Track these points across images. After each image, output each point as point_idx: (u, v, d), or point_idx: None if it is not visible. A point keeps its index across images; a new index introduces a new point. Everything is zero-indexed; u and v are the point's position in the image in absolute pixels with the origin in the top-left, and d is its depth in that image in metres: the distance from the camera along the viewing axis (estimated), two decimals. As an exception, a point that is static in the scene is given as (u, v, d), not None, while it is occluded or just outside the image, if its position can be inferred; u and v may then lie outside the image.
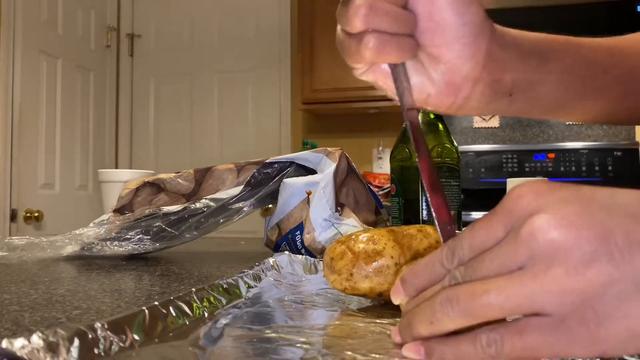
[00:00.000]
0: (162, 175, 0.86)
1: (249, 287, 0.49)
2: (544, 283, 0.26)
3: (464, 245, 0.30)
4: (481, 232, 0.30)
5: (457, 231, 0.35)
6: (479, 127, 3.05)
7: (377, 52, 0.39)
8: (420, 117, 0.81)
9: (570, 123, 2.96)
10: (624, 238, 0.26)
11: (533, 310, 0.27)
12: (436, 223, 0.36)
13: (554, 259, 0.26)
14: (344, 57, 0.42)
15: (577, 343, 0.26)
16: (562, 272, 0.26)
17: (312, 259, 0.63)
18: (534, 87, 0.46)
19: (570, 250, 0.26)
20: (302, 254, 0.68)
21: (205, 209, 0.80)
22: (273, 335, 0.35)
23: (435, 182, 0.37)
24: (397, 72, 0.42)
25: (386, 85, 0.43)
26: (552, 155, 2.71)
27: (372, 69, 0.43)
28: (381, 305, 0.45)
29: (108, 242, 0.79)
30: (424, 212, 0.78)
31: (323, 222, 0.77)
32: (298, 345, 0.33)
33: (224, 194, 0.81)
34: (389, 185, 0.98)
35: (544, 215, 0.27)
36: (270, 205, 0.86)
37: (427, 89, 0.43)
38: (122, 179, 1.00)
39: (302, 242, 0.77)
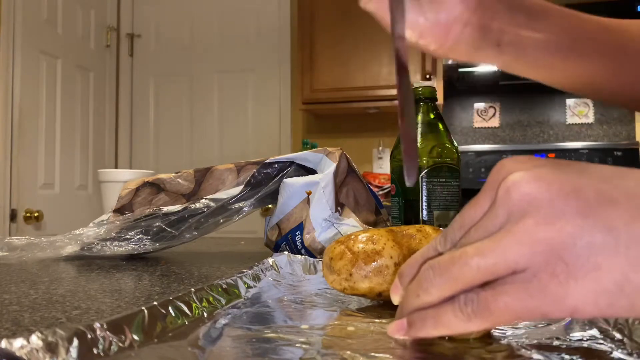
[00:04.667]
0: (162, 175, 0.86)
1: (248, 287, 0.49)
2: (515, 235, 0.27)
3: (454, 227, 0.31)
4: (470, 211, 0.31)
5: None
6: (479, 127, 3.05)
7: None
8: (420, 118, 0.81)
9: (571, 123, 2.96)
10: (595, 195, 0.27)
11: (507, 266, 0.27)
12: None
13: (526, 212, 0.27)
14: None
15: (548, 298, 0.26)
16: (533, 222, 0.27)
17: (312, 259, 0.63)
18: (522, 42, 0.49)
19: (542, 202, 0.27)
20: (302, 254, 0.68)
21: (205, 209, 0.80)
22: (272, 335, 0.35)
23: (407, 111, 0.40)
24: (395, 2, 0.45)
25: (385, 17, 0.46)
26: (552, 155, 2.71)
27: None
28: (380, 305, 0.45)
29: (108, 242, 0.79)
30: (424, 212, 0.78)
31: (323, 222, 0.77)
32: (297, 345, 0.33)
33: (224, 194, 0.81)
34: (389, 185, 0.98)
35: (518, 172, 0.28)
36: (270, 205, 0.86)
37: (420, 25, 0.47)
38: (122, 179, 1.00)
39: (302, 242, 0.77)
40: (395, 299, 0.34)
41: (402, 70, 0.42)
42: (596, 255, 0.26)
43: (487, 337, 0.34)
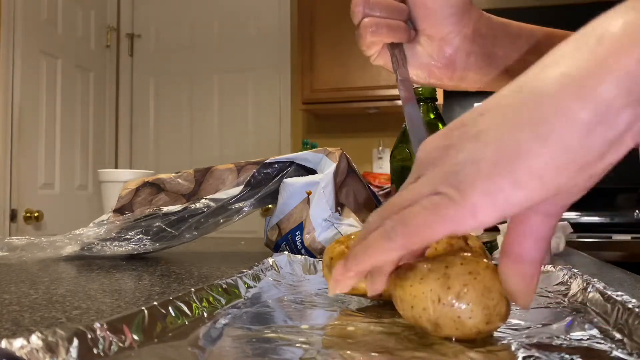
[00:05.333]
0: (162, 175, 0.86)
1: (248, 287, 0.49)
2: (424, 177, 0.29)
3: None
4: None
5: None
6: (479, 127, 3.05)
7: (371, 32, 0.48)
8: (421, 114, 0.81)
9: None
10: (459, 124, 0.29)
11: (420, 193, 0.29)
12: None
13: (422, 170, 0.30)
14: (360, 48, 0.51)
15: (450, 203, 0.27)
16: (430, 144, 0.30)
17: (311, 259, 0.63)
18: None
19: (424, 160, 0.30)
20: (302, 254, 0.68)
21: (205, 209, 0.80)
22: (272, 335, 0.35)
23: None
24: (394, 52, 0.50)
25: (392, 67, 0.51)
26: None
27: (380, 55, 0.51)
28: (380, 305, 0.45)
29: (108, 242, 0.79)
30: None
31: (323, 222, 0.77)
32: (297, 345, 0.33)
33: (224, 194, 0.81)
34: (389, 185, 0.98)
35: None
36: (270, 205, 0.86)
37: (428, 65, 0.51)
38: (122, 179, 1.00)
39: (302, 242, 0.77)
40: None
41: (411, 103, 0.47)
42: (469, 155, 0.27)
43: (488, 338, 0.34)
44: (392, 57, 0.50)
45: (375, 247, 0.30)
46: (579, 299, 0.45)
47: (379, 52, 0.51)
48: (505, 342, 0.33)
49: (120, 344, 0.30)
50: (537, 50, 0.52)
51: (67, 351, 0.27)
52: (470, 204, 0.27)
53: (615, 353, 0.31)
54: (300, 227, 0.78)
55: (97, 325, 0.29)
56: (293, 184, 0.80)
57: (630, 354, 0.30)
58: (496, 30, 0.51)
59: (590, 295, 0.43)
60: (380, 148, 2.99)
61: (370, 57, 0.52)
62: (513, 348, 0.32)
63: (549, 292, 0.50)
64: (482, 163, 0.26)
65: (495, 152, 0.26)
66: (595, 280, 0.45)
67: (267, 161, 0.83)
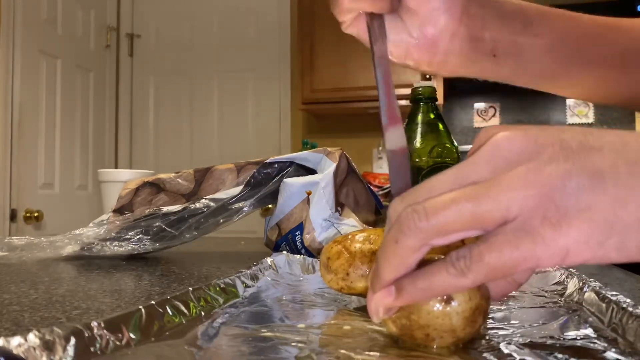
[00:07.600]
0: (162, 175, 0.86)
1: (246, 286, 0.49)
2: (507, 182, 0.27)
3: (419, 192, 0.29)
4: (442, 177, 0.29)
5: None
6: (479, 127, 3.05)
7: None
8: (420, 118, 0.81)
9: (571, 123, 2.96)
10: (578, 144, 0.27)
11: (501, 214, 0.26)
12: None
13: (514, 162, 0.27)
14: (333, 12, 0.45)
15: (540, 241, 0.26)
16: (524, 169, 0.27)
17: (310, 259, 0.63)
18: (520, 51, 0.47)
19: (530, 153, 0.27)
20: (302, 254, 0.68)
21: (205, 209, 0.80)
22: (269, 334, 0.35)
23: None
24: (373, 24, 0.43)
25: (367, 39, 0.45)
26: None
27: (354, 23, 0.45)
28: (378, 305, 0.45)
29: (108, 242, 0.80)
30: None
31: (323, 222, 0.77)
32: (293, 344, 0.33)
33: (223, 194, 0.81)
34: (389, 185, 0.98)
35: (503, 131, 0.28)
36: (270, 205, 0.86)
37: (406, 43, 0.45)
38: (122, 179, 1.00)
39: (302, 242, 0.77)
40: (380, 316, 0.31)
41: (389, 93, 0.40)
42: (585, 196, 0.26)
43: (482, 337, 0.34)
44: (370, 30, 0.43)
45: (442, 284, 0.28)
46: (575, 299, 0.45)
47: (353, 19, 0.45)
48: (499, 341, 0.34)
49: (117, 343, 0.30)
50: (530, 32, 0.47)
51: (64, 349, 0.27)
52: (563, 248, 0.26)
53: (609, 352, 0.31)
54: (300, 227, 0.78)
55: (94, 324, 0.30)
56: (293, 184, 0.80)
57: (623, 353, 0.30)
58: (487, 11, 0.45)
59: (586, 294, 0.43)
60: (380, 148, 2.99)
61: (342, 24, 0.45)
62: (507, 348, 0.32)
63: (546, 291, 0.50)
64: (595, 211, 0.26)
65: (612, 205, 0.26)
66: (592, 280, 0.45)
67: (267, 161, 0.83)
